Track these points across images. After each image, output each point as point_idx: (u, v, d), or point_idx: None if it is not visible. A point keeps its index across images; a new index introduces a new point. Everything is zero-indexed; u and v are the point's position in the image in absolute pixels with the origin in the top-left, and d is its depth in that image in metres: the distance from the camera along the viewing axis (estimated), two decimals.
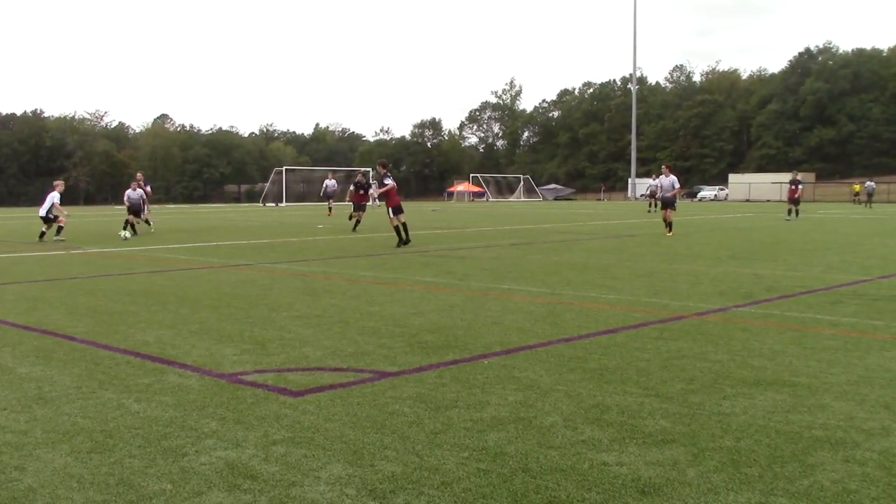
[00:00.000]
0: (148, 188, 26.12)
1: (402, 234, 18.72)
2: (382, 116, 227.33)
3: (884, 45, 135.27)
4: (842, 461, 4.18)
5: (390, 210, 19.13)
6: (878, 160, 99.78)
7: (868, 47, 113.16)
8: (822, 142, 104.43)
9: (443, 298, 10.13)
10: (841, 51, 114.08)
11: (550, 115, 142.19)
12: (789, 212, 32.84)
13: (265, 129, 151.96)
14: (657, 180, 22.31)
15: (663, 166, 24.88)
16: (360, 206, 25.75)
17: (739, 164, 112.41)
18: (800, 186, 33.12)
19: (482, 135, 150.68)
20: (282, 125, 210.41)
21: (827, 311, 9.01)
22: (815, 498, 3.70)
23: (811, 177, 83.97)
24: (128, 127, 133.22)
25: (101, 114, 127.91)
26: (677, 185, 23.64)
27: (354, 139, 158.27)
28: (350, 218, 26.10)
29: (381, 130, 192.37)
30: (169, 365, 6.45)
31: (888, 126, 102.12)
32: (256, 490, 3.82)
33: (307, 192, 77.66)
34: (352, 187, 26.32)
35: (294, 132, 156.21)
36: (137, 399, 5.44)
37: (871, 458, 4.23)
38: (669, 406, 5.19)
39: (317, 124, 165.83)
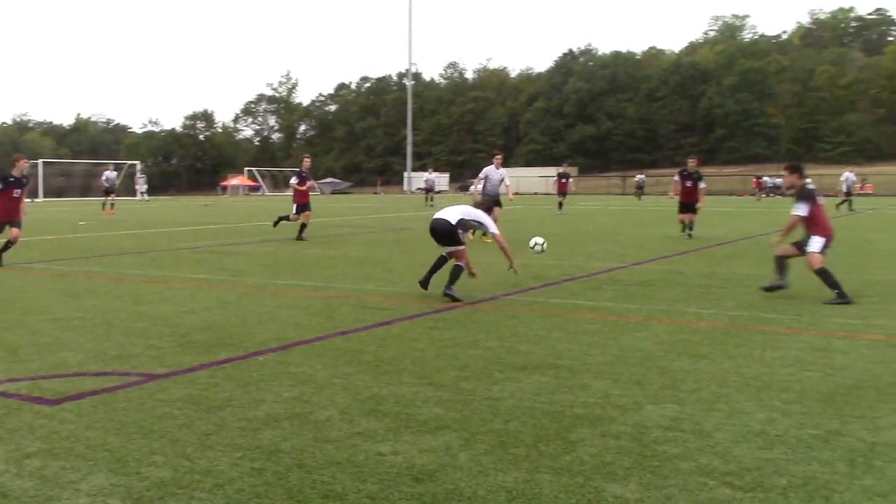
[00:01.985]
0: None
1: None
2: (151, 107, 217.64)
3: (638, 48, 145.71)
4: (599, 436, 4.47)
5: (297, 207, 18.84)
6: (632, 156, 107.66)
7: (624, 50, 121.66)
8: (583, 138, 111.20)
9: (216, 295, 9.84)
10: (600, 53, 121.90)
11: (327, 108, 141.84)
12: (560, 205, 33.67)
13: (18, 119, 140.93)
14: (485, 172, 18.35)
15: (495, 157, 19.33)
16: (305, 206, 19.09)
17: (509, 158, 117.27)
18: (569, 180, 34.27)
19: (258, 128, 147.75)
20: (38, 115, 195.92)
21: (587, 297, 9.60)
22: (575, 472, 3.93)
23: (574, 171, 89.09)
24: None
25: None
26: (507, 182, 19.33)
27: (120, 131, 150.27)
28: (278, 223, 20.03)
29: (149, 122, 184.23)
30: None
31: (641, 124, 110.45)
32: None
33: (67, 186, 72.72)
34: (295, 180, 19.27)
35: (52, 123, 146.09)
36: None
37: (624, 431, 4.55)
38: (443, 393, 5.33)
39: (78, 114, 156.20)
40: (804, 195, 9.64)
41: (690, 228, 18.66)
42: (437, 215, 9.97)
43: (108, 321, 8.04)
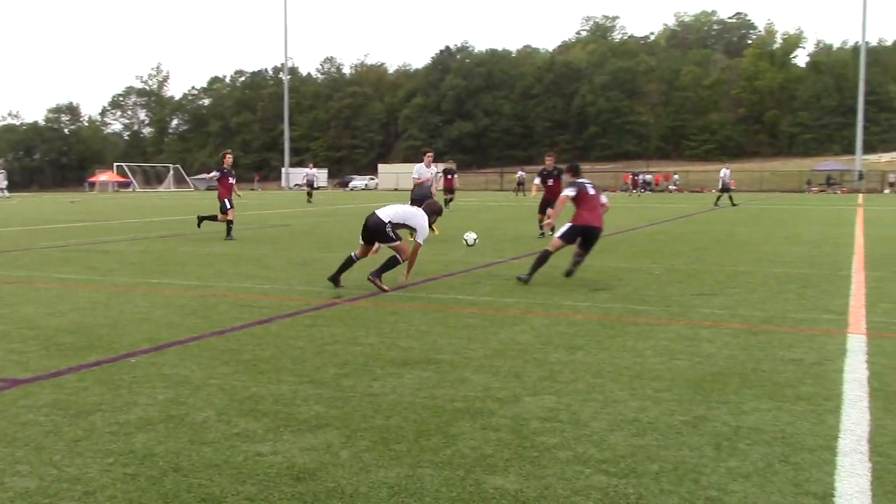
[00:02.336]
0: None
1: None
2: (10, 99, 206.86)
3: (513, 47, 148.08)
4: (480, 429, 4.52)
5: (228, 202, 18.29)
6: (509, 152, 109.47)
7: (500, 48, 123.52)
8: (461, 135, 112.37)
9: (84, 296, 9.45)
10: (476, 50, 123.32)
11: (200, 102, 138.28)
12: (446, 202, 33.56)
13: None
14: (417, 170, 17.52)
15: (426, 155, 18.55)
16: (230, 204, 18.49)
17: (388, 154, 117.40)
18: (455, 176, 33.91)
19: (127, 121, 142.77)
20: None
21: (467, 292, 9.70)
22: (456, 465, 3.96)
23: (452, 167, 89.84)
24: None
25: None
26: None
27: None
28: (201, 222, 19.01)
29: (9, 114, 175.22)
30: None
31: (517, 121, 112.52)
32: None
33: None
34: (216, 174, 18.71)
35: None
36: None
37: (504, 423, 4.62)
38: (323, 391, 5.28)
39: None
40: (574, 183, 10.95)
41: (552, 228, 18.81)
42: (376, 211, 10.12)
43: None
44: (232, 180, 18.61)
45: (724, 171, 37.39)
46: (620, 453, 4.13)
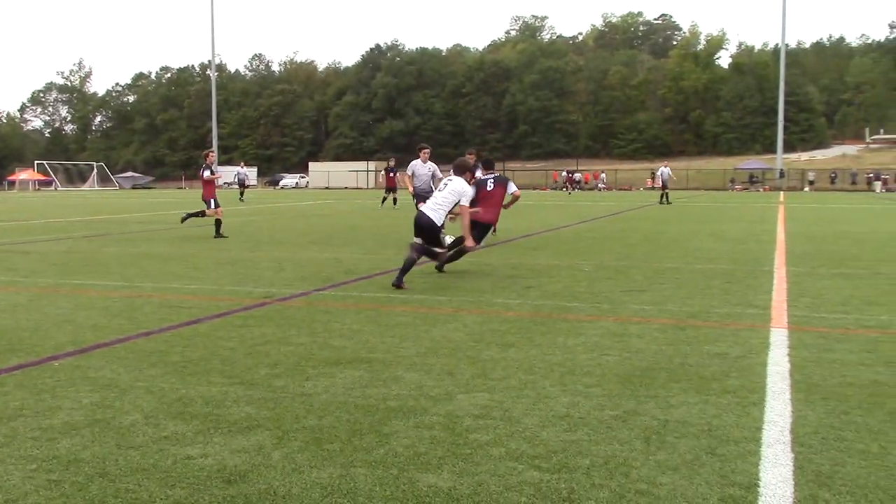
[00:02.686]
0: None
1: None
2: None
3: (443, 45, 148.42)
4: (413, 427, 4.52)
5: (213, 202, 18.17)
6: (440, 150, 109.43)
7: (430, 47, 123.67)
8: (392, 133, 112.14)
9: (4, 298, 9.16)
10: (407, 49, 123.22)
11: (125, 99, 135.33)
12: (383, 200, 32.83)
13: None
14: (412, 167, 16.25)
15: (422, 151, 16.69)
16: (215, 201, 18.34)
17: (319, 152, 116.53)
18: (396, 174, 33.20)
19: (48, 118, 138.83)
20: None
21: (399, 290, 9.68)
22: (390, 464, 3.95)
23: (383, 165, 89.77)
24: None
25: None
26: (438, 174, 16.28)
27: None
28: (186, 219, 19.07)
29: None
30: None
31: (448, 119, 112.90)
32: None
33: None
34: (208, 173, 18.45)
35: None
36: None
37: (437, 421, 4.62)
38: (254, 392, 5.21)
39: None
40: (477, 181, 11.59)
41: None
42: (424, 210, 10.18)
43: None
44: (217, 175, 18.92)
45: (663, 170, 38.20)
46: (552, 449, 4.18)
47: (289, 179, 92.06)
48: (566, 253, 14.04)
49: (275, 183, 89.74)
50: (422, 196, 15.26)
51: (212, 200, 18.23)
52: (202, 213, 18.54)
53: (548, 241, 16.73)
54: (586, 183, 75.62)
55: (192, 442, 4.27)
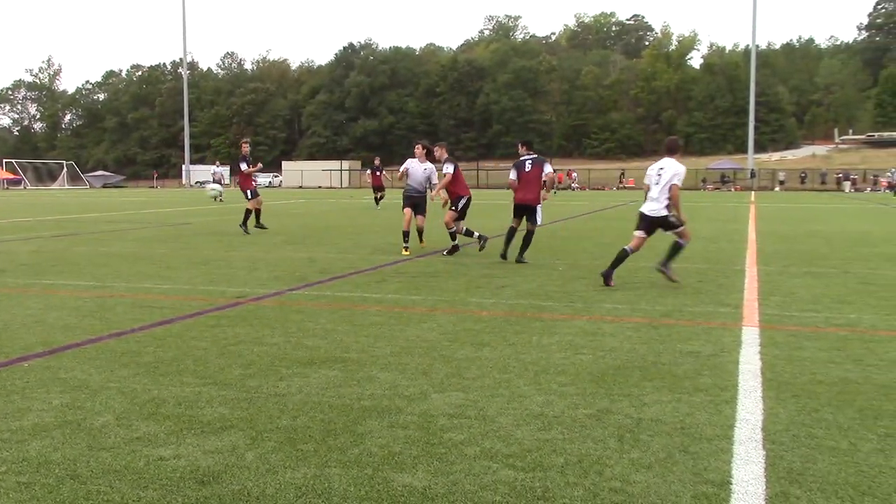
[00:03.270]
0: None
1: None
2: None
3: (416, 44, 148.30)
4: (388, 426, 4.51)
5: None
6: (414, 150, 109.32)
7: (404, 46, 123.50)
8: (366, 132, 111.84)
9: None
10: (380, 48, 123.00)
11: (95, 97, 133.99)
12: (376, 200, 31.95)
13: None
14: (407, 165, 14.60)
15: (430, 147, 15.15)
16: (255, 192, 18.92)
17: (292, 151, 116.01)
18: (383, 172, 32.51)
19: (17, 116, 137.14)
20: None
21: (373, 290, 9.67)
22: (364, 464, 3.95)
23: (357, 164, 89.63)
24: None
25: None
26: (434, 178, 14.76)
27: None
28: (247, 220, 18.79)
29: None
30: None
31: (422, 119, 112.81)
32: None
33: None
34: (245, 166, 18.82)
35: None
36: None
37: (412, 421, 4.62)
38: (228, 392, 5.18)
39: None
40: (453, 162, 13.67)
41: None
42: (646, 209, 10.14)
43: None
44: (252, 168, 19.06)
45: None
46: (527, 447, 4.19)
47: (262, 178, 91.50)
48: (540, 252, 14.07)
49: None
50: (412, 197, 14.25)
51: (248, 192, 18.63)
52: (249, 213, 18.69)
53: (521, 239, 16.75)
54: (560, 182, 75.90)
55: (165, 443, 4.24)
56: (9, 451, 4.13)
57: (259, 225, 18.82)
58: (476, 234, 13.72)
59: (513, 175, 12.40)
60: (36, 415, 4.73)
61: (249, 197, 18.60)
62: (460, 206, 13.55)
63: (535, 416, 4.72)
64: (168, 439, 4.30)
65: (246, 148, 19.09)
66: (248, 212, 18.59)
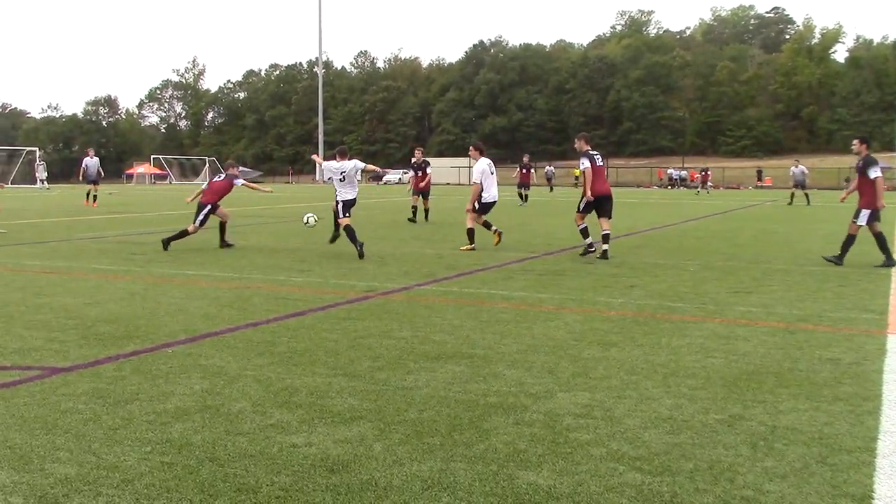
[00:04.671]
0: None
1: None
2: (50, 92, 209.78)
3: (546, 41, 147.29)
4: (513, 424, 4.51)
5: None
6: (543, 147, 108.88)
7: (534, 43, 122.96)
8: (495, 129, 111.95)
9: (122, 286, 9.57)
10: (510, 45, 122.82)
11: (236, 96, 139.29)
12: (525, 197, 31.70)
13: None
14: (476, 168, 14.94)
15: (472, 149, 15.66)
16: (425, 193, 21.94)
17: (422, 148, 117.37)
18: (532, 170, 32.26)
19: (164, 114, 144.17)
20: None
21: (500, 287, 9.69)
22: (489, 460, 3.96)
23: (419, 160, 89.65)
24: None
25: None
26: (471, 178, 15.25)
27: (17, 116, 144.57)
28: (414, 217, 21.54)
29: (48, 107, 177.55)
30: None
31: (551, 116, 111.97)
32: None
33: None
34: (410, 173, 22.34)
35: None
36: None
37: (537, 419, 4.61)
38: (357, 384, 5.30)
39: None
40: (585, 155, 13.18)
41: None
42: None
43: (8, 314, 7.74)
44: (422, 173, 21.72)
45: (794, 169, 35.24)
46: (655, 451, 4.11)
47: (392, 175, 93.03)
48: (671, 252, 13.77)
49: (378, 178, 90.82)
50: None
51: (422, 192, 21.67)
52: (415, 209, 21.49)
53: (651, 239, 16.45)
54: (692, 181, 73.82)
55: (297, 430, 4.38)
56: (153, 432, 4.36)
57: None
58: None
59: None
60: (178, 399, 4.97)
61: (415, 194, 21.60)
62: (582, 205, 13.11)
63: (663, 419, 4.63)
64: (300, 427, 4.43)
65: (419, 154, 22.10)
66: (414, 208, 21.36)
